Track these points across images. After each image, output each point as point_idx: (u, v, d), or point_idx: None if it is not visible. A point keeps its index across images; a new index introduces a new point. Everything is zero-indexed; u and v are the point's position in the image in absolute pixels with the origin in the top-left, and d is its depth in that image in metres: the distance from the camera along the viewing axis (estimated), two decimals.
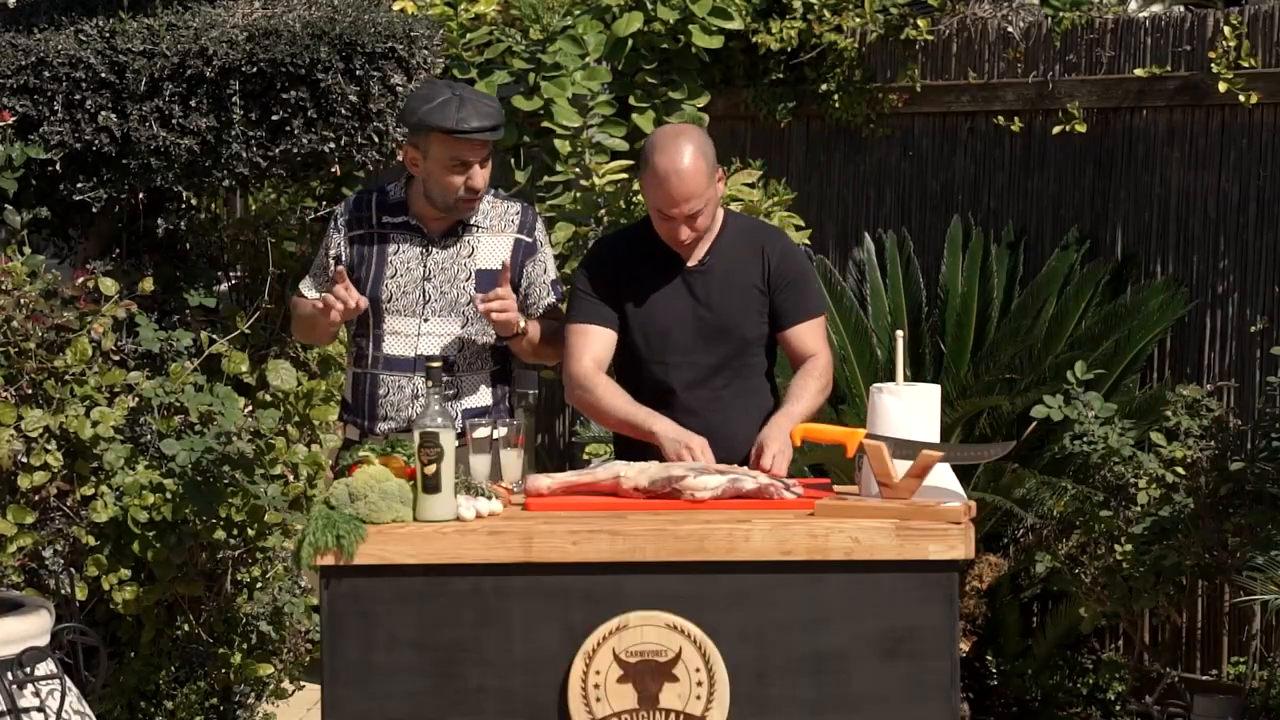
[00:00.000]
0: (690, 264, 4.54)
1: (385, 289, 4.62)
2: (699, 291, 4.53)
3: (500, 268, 4.60)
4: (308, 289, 4.70)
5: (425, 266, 4.63)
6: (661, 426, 4.40)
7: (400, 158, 5.39)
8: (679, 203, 4.39)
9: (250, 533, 5.31)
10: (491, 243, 4.65)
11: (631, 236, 4.69)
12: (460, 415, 4.61)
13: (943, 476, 4.03)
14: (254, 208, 6.10)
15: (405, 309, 4.62)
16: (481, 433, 4.29)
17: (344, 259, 4.63)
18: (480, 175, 4.55)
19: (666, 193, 4.39)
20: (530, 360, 4.81)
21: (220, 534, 5.21)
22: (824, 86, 7.00)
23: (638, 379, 4.59)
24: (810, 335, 4.56)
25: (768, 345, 4.60)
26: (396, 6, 6.77)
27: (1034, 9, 6.78)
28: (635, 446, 4.48)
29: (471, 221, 4.65)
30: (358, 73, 5.12)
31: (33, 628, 4.37)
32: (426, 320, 4.61)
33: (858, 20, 6.96)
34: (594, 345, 4.54)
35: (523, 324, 4.58)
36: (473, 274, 4.63)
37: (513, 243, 4.67)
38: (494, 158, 4.73)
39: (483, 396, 4.69)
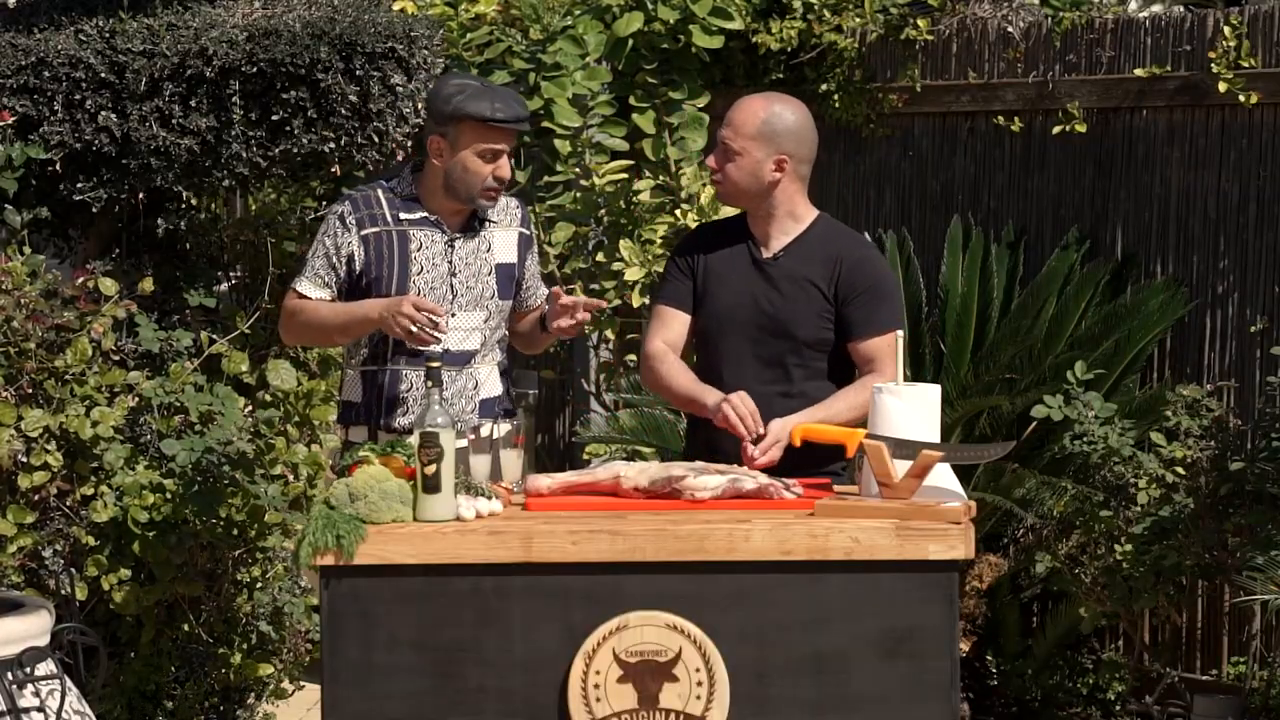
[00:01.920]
0: (765, 255, 4.57)
1: (412, 285, 4.61)
2: (766, 284, 4.55)
3: (514, 261, 4.70)
4: (310, 289, 4.65)
5: (450, 261, 4.64)
6: (714, 398, 4.43)
7: (400, 157, 5.40)
8: (724, 123, 4.55)
9: (250, 533, 5.31)
10: (503, 237, 4.70)
11: (727, 223, 4.74)
12: (478, 407, 4.65)
13: (943, 476, 4.03)
14: (254, 208, 6.10)
15: (435, 300, 4.60)
16: (504, 429, 4.33)
17: (358, 259, 4.60)
18: (506, 167, 4.58)
19: (728, 113, 4.57)
20: (535, 349, 4.92)
21: (220, 534, 5.21)
22: (824, 86, 7.00)
23: (702, 365, 4.64)
24: (877, 350, 4.49)
25: (833, 353, 4.54)
26: (396, 6, 6.77)
27: (1034, 9, 6.78)
28: (702, 437, 4.53)
29: (484, 216, 4.68)
30: (358, 73, 5.12)
31: (33, 628, 4.37)
32: (454, 315, 4.61)
33: (858, 20, 6.96)
34: (668, 327, 4.63)
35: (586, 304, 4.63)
36: (493, 268, 4.67)
37: (517, 237, 4.73)
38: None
39: (495, 386, 4.72)
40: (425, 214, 4.64)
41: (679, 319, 4.63)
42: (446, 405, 4.03)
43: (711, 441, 4.52)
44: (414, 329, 4.41)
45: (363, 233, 4.61)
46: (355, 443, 4.58)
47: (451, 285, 4.63)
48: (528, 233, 4.76)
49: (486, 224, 4.69)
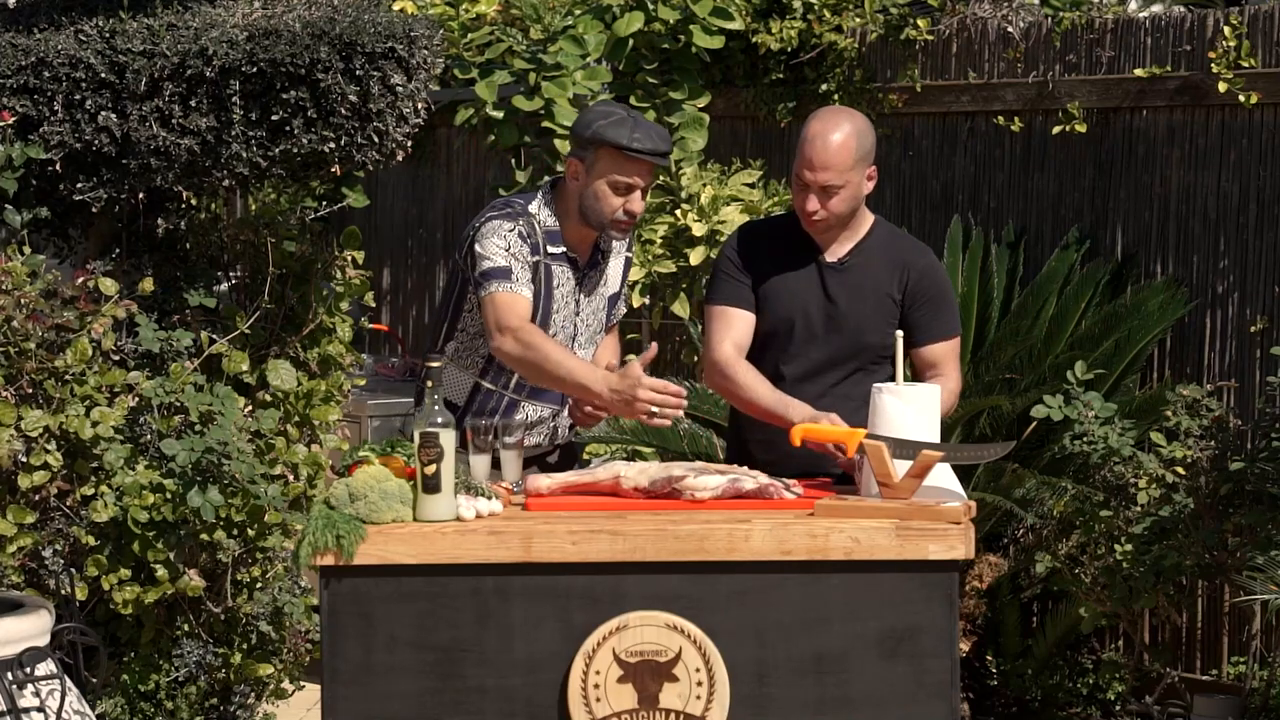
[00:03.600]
0: (829, 259, 4.54)
1: (553, 323, 4.57)
2: (832, 288, 4.52)
3: (619, 290, 4.70)
4: (526, 290, 4.50)
5: (578, 300, 4.62)
6: (799, 413, 4.33)
7: (400, 157, 5.40)
8: (816, 169, 4.40)
9: (250, 533, 5.31)
10: (615, 265, 4.70)
11: (777, 223, 4.70)
12: (553, 433, 4.67)
13: (943, 476, 4.04)
14: (254, 208, 6.10)
15: (565, 341, 4.59)
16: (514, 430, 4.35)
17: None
18: (639, 201, 4.51)
19: (808, 155, 4.41)
20: None
21: (220, 534, 5.21)
22: (824, 86, 7.00)
23: (756, 364, 4.54)
24: (941, 355, 4.55)
25: (893, 358, 4.53)
26: (396, 6, 6.77)
27: (1034, 9, 6.79)
28: (748, 443, 4.50)
29: (604, 248, 4.64)
30: (358, 73, 5.12)
31: (33, 628, 4.37)
32: (578, 350, 4.61)
33: (858, 20, 6.96)
34: (734, 328, 4.53)
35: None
36: (605, 300, 4.68)
37: (624, 263, 4.73)
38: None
39: (555, 396, 4.69)
40: (565, 249, 4.57)
41: (743, 319, 4.54)
42: (445, 406, 4.03)
43: (748, 451, 4.51)
44: (655, 410, 4.29)
45: (533, 259, 4.54)
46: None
47: (575, 324, 4.61)
48: (630, 255, 4.75)
49: (606, 256, 4.66)
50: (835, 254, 4.55)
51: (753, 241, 4.62)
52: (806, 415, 4.31)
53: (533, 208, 4.59)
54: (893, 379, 4.35)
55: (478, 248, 4.52)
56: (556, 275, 4.57)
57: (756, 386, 4.45)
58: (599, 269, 4.66)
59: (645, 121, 4.55)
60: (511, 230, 4.53)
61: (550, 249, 4.56)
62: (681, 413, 4.39)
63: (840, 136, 4.41)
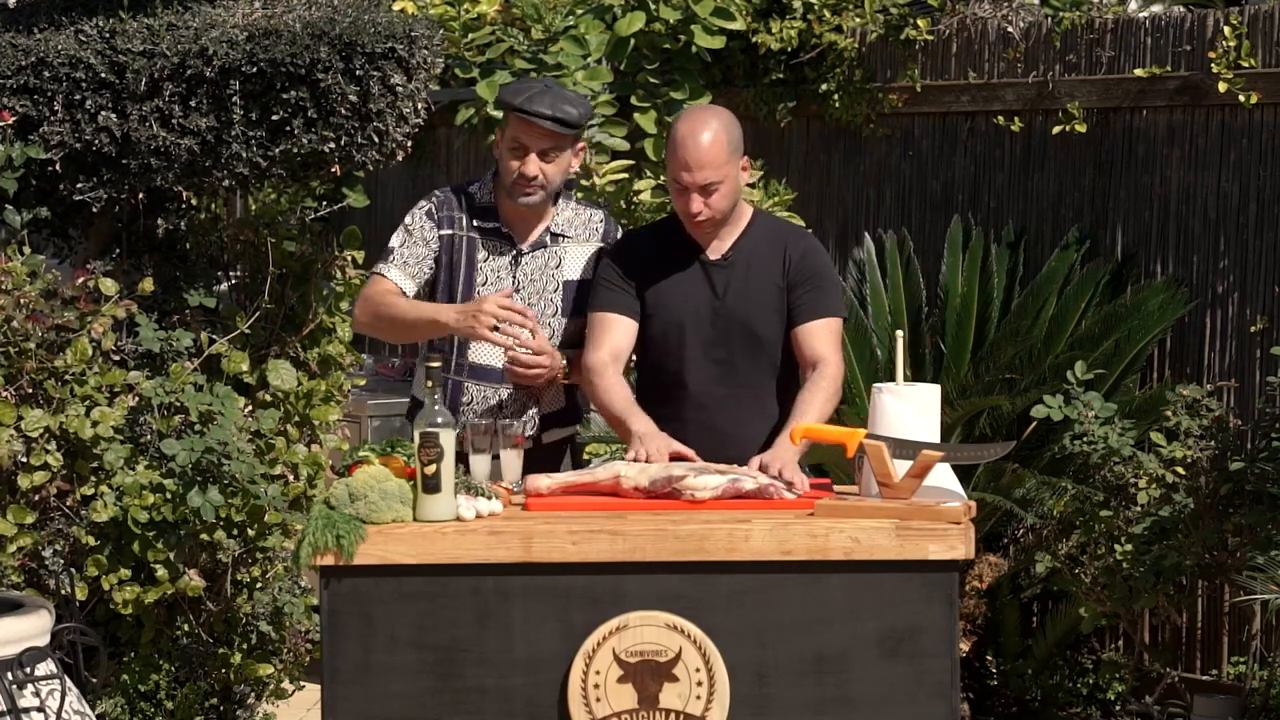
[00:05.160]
0: (712, 258, 4.54)
1: (476, 296, 4.58)
2: (718, 286, 4.53)
3: (587, 278, 4.62)
4: (397, 275, 4.59)
5: (515, 278, 4.61)
6: (638, 426, 4.36)
7: (400, 157, 5.40)
8: (692, 169, 4.39)
9: (250, 533, 5.31)
10: (577, 252, 4.67)
11: (659, 229, 4.71)
12: (538, 423, 4.64)
13: (943, 476, 4.03)
14: (254, 208, 6.10)
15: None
16: (513, 431, 4.33)
17: (437, 256, 4.60)
18: (534, 164, 4.51)
19: (681, 157, 4.40)
20: None
21: (220, 534, 5.20)
22: (824, 86, 7.00)
23: (654, 371, 4.60)
24: (819, 337, 4.50)
25: (787, 348, 4.55)
26: (397, 6, 6.77)
27: (1034, 9, 6.79)
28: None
29: (558, 231, 4.63)
30: (358, 73, 5.12)
31: (33, 628, 4.37)
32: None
33: (858, 20, 6.96)
34: (613, 334, 4.54)
35: (560, 365, 4.52)
36: (560, 285, 4.64)
37: (597, 251, 4.68)
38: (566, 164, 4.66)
39: (557, 400, 4.70)
40: (499, 225, 4.61)
41: (624, 325, 4.55)
42: (445, 405, 4.03)
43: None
44: (498, 325, 4.33)
45: (442, 232, 4.61)
46: None
47: (514, 302, 4.58)
48: (608, 246, 4.69)
49: (560, 239, 4.64)
50: (717, 251, 4.56)
51: (634, 249, 4.64)
52: (646, 426, 4.34)
53: (473, 188, 4.67)
54: (776, 366, 4.50)
55: None
56: (484, 249, 4.60)
57: (611, 392, 4.46)
58: (548, 250, 4.63)
59: (558, 91, 4.58)
60: (423, 209, 4.64)
61: (479, 223, 4.61)
62: (528, 334, 4.39)
63: (710, 134, 4.42)
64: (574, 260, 4.65)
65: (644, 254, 4.59)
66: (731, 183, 4.46)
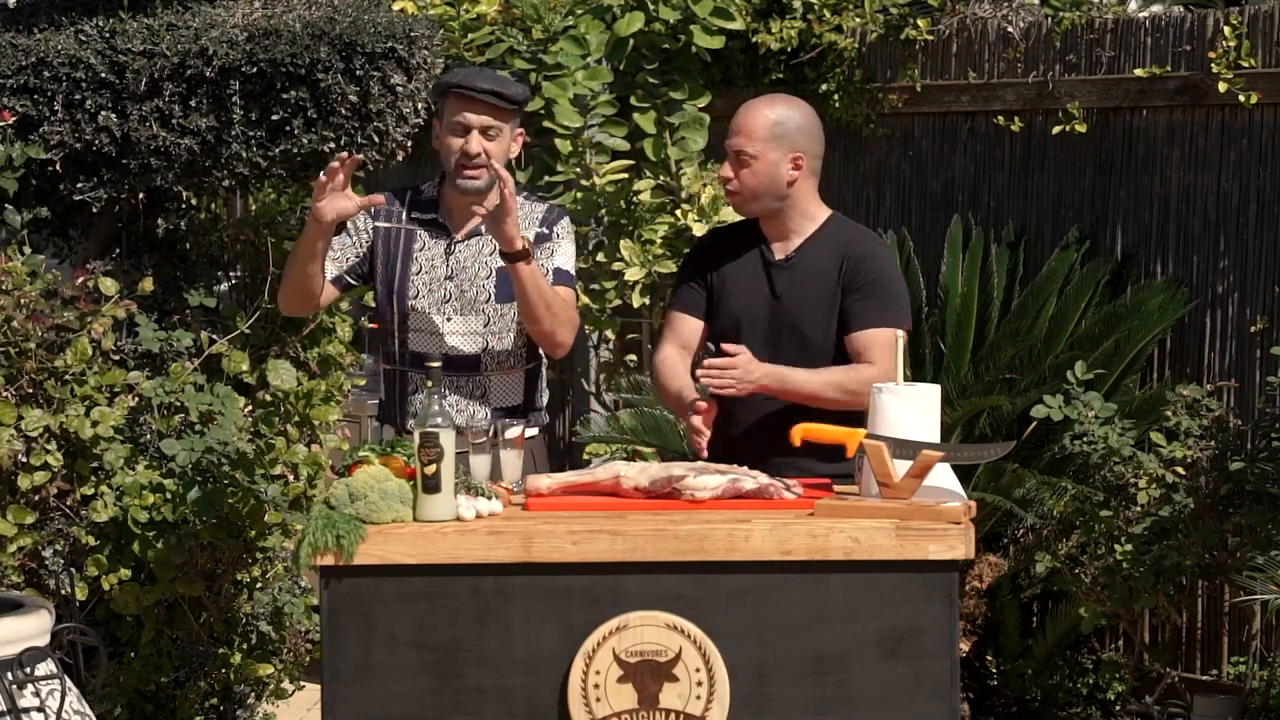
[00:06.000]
0: (777, 258, 4.57)
1: (411, 285, 4.62)
2: (777, 286, 4.55)
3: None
4: (330, 265, 4.65)
5: (448, 265, 4.64)
6: (691, 396, 4.50)
7: (400, 158, 5.40)
8: (732, 133, 4.50)
9: (250, 533, 5.31)
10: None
11: (738, 228, 4.74)
12: (490, 414, 4.63)
13: (943, 476, 4.03)
14: (254, 208, 6.10)
15: (430, 307, 4.62)
16: (513, 432, 4.31)
17: (368, 249, 4.64)
18: (476, 141, 4.52)
19: (732, 122, 4.52)
20: (534, 311, 4.54)
21: (220, 534, 5.21)
22: (824, 86, 7.00)
23: None
24: (870, 346, 4.44)
25: (839, 355, 4.51)
26: (396, 6, 6.77)
27: (1034, 9, 6.79)
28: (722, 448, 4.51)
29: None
30: (358, 73, 5.12)
31: (33, 628, 4.36)
32: (449, 320, 4.62)
33: (858, 20, 6.96)
34: (680, 331, 4.65)
35: (521, 245, 4.44)
36: (493, 272, 4.63)
37: (534, 237, 4.64)
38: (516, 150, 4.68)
39: (514, 395, 4.70)
40: (436, 216, 4.66)
41: (690, 324, 4.64)
42: (446, 405, 4.03)
43: (728, 446, 4.51)
44: (323, 178, 4.35)
45: (376, 224, 4.65)
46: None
47: (447, 289, 4.63)
48: (547, 231, 4.65)
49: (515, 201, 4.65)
50: (783, 251, 4.58)
51: (711, 246, 4.72)
52: (694, 398, 4.48)
53: (423, 185, 4.72)
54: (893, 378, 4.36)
55: None
56: (420, 239, 4.64)
57: (669, 379, 4.60)
58: (482, 239, 4.63)
59: (493, 73, 4.64)
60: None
61: (418, 214, 4.64)
62: (340, 167, 4.34)
63: (765, 109, 4.52)
64: None
65: (720, 250, 4.66)
66: (768, 166, 4.49)
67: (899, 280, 4.62)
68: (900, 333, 4.20)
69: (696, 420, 4.45)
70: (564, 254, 4.69)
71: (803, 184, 4.53)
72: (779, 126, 4.49)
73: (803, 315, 4.52)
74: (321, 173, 4.41)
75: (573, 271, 4.70)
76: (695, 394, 4.53)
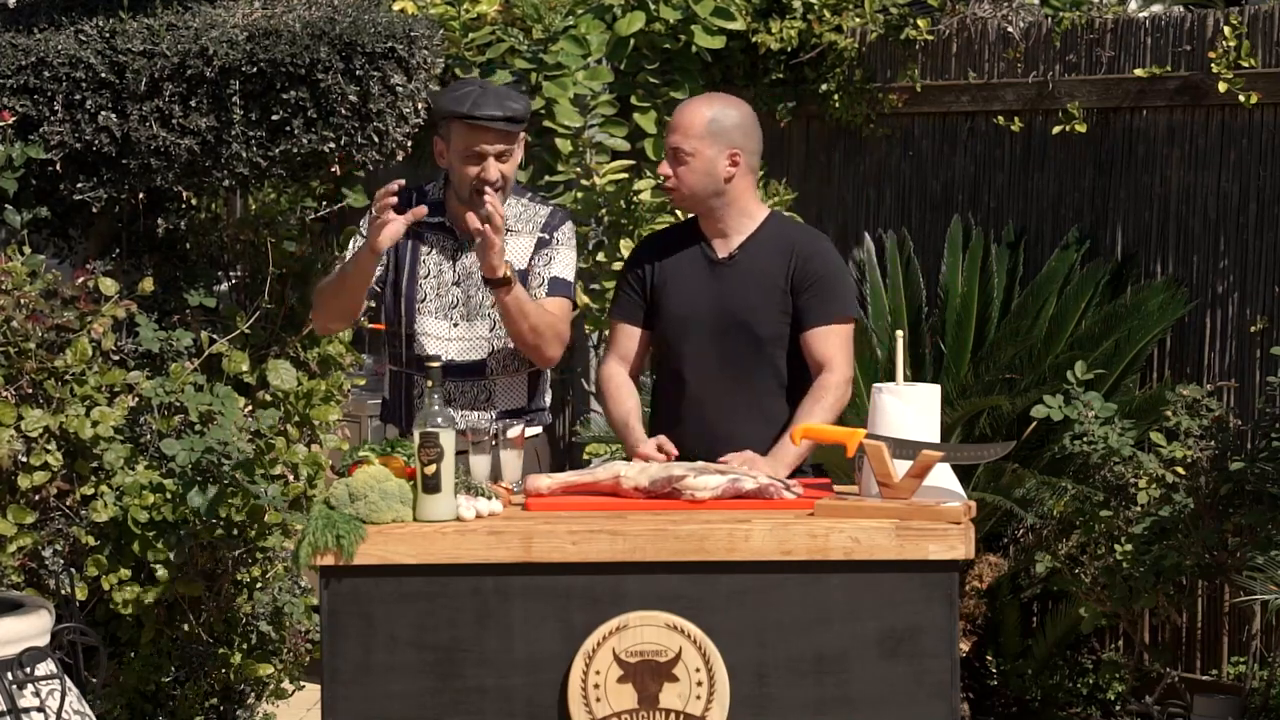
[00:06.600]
0: (720, 256, 4.57)
1: (420, 289, 4.62)
2: (722, 284, 4.55)
3: (523, 269, 4.61)
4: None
5: (455, 270, 4.63)
6: (636, 445, 4.48)
7: (400, 158, 5.40)
8: (669, 131, 4.53)
9: (250, 533, 5.31)
10: (515, 245, 4.64)
11: (676, 230, 4.76)
12: (495, 416, 4.63)
13: (943, 476, 4.03)
14: (254, 208, 6.10)
15: (437, 311, 4.62)
16: (513, 432, 4.31)
17: (386, 254, 4.62)
18: (494, 168, 4.53)
19: (672, 118, 4.56)
20: (519, 335, 4.56)
21: (220, 534, 5.21)
22: (824, 86, 7.00)
23: (660, 369, 4.66)
24: (827, 341, 4.50)
25: (792, 350, 4.55)
26: (396, 6, 6.77)
27: (1034, 9, 6.78)
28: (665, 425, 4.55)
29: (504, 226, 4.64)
30: (358, 73, 5.12)
31: (33, 628, 4.37)
32: (456, 325, 4.62)
33: (858, 20, 6.96)
34: (620, 342, 4.67)
35: (503, 273, 4.44)
36: None
37: (535, 242, 4.65)
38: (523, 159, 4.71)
39: (518, 398, 4.70)
40: (443, 219, 4.64)
41: (628, 333, 4.66)
42: (446, 405, 4.03)
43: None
44: (375, 214, 4.36)
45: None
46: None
47: (454, 294, 4.63)
48: (548, 237, 4.66)
49: (498, 233, 4.64)
50: (724, 249, 4.58)
51: (648, 250, 4.71)
52: (639, 447, 4.43)
53: (427, 187, 4.70)
54: (784, 370, 4.50)
55: None
56: (428, 243, 4.64)
57: (613, 404, 4.61)
58: None
59: (495, 89, 4.58)
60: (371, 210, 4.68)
61: (426, 219, 4.60)
62: (395, 200, 4.34)
63: (702, 107, 4.54)
64: (514, 252, 4.62)
65: (659, 254, 4.65)
66: (705, 163, 4.50)
67: (846, 273, 4.74)
68: (851, 323, 4.48)
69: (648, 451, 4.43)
70: (562, 261, 4.68)
71: (741, 181, 4.54)
72: (715, 123, 4.50)
73: (751, 313, 4.52)
74: (373, 208, 4.39)
75: (571, 279, 4.70)
76: (641, 433, 4.52)
